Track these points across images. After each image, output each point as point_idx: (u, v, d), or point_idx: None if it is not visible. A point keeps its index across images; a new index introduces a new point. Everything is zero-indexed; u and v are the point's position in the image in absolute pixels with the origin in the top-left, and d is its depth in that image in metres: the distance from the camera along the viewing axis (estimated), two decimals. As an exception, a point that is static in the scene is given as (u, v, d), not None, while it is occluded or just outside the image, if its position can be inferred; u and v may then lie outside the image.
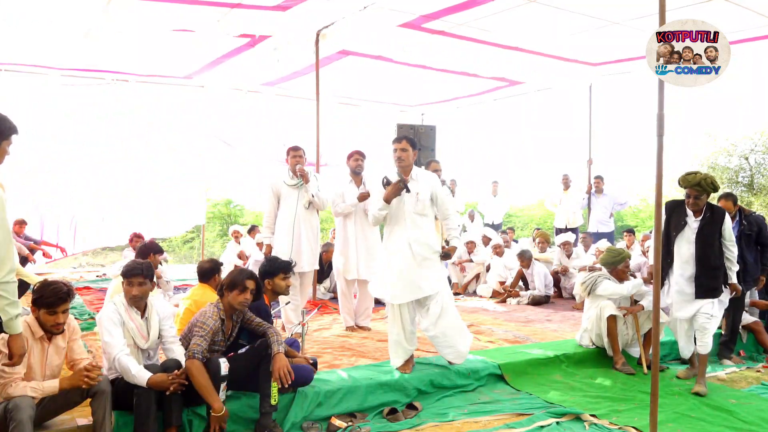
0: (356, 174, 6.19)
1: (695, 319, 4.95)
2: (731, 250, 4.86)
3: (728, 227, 4.86)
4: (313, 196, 5.81)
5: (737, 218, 5.83)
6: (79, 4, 5.99)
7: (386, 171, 4.71)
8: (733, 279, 4.93)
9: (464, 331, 4.80)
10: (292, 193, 5.90)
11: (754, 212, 5.96)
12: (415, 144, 4.71)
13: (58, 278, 3.55)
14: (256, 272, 4.53)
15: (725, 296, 5.05)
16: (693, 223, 4.86)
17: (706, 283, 4.84)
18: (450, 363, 4.76)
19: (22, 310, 2.91)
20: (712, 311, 4.89)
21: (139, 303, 3.74)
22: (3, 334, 3.03)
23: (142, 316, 3.75)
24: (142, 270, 3.73)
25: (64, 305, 3.34)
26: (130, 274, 3.70)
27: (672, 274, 4.99)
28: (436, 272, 4.64)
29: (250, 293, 3.79)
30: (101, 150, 9.63)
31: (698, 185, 4.66)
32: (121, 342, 3.56)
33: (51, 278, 3.60)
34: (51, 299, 3.29)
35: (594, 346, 5.53)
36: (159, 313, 3.81)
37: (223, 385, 3.56)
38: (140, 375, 3.43)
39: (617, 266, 5.54)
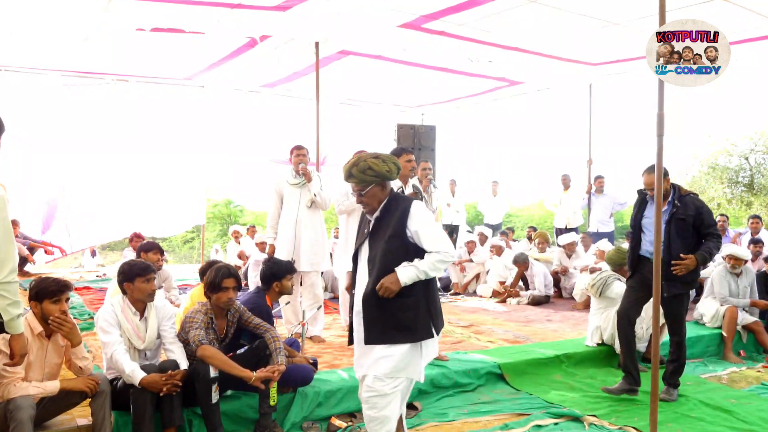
0: None
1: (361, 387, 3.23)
2: (427, 260, 3.08)
3: (417, 217, 3.11)
4: (315, 195, 5.81)
5: (670, 198, 4.54)
6: (79, 4, 5.98)
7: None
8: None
9: None
10: (294, 192, 5.90)
11: (693, 193, 4.68)
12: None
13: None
14: (257, 273, 4.55)
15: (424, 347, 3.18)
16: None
17: (377, 315, 3.10)
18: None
19: (23, 310, 2.91)
20: (389, 367, 3.09)
21: (149, 301, 3.74)
22: (3, 334, 3.03)
23: (141, 317, 3.75)
24: (153, 268, 3.77)
25: (67, 292, 3.39)
26: (146, 271, 3.70)
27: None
28: None
29: (232, 291, 3.80)
30: (101, 150, 9.63)
31: (351, 177, 3.20)
32: (117, 339, 3.57)
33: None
34: (53, 288, 3.33)
35: (602, 345, 5.55)
36: (159, 314, 3.81)
37: (214, 386, 3.57)
38: (134, 375, 3.44)
39: (624, 266, 5.60)
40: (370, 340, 3.13)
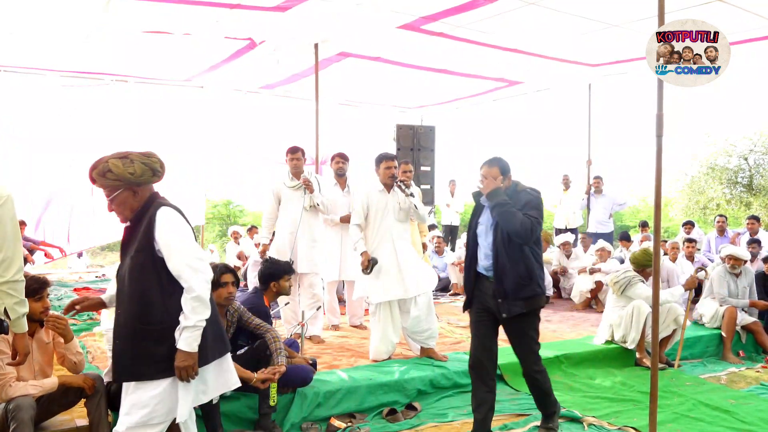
0: (339, 176, 6.38)
1: None
2: (186, 310, 2.58)
3: (163, 229, 2.63)
4: (318, 204, 5.89)
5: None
6: (78, 4, 5.98)
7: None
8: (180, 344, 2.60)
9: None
10: (292, 194, 5.91)
11: (533, 189, 3.71)
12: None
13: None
14: (256, 273, 4.55)
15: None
16: None
17: (127, 346, 2.66)
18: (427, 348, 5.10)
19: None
20: (144, 416, 2.61)
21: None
22: (1, 335, 3.04)
23: None
24: None
25: (46, 289, 3.44)
26: None
27: None
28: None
29: (231, 285, 3.80)
30: (101, 150, 9.62)
31: (93, 181, 2.73)
32: None
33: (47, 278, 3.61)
34: (35, 285, 3.35)
35: (610, 343, 5.62)
36: None
37: None
38: None
39: (647, 269, 5.65)
40: (118, 375, 2.67)
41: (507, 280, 3.54)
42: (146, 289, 2.63)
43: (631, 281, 5.61)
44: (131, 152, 2.71)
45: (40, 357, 3.46)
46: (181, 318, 2.58)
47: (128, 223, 2.75)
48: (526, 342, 3.66)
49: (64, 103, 9.00)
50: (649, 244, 7.70)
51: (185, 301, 2.58)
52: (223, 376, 2.84)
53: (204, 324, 2.60)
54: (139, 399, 2.60)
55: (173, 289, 2.61)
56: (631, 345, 5.48)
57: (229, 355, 2.88)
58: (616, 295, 5.72)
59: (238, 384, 2.93)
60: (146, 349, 2.61)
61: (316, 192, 5.87)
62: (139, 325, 2.62)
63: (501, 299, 3.56)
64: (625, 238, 10.00)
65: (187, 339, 2.57)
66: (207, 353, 2.69)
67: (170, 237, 2.61)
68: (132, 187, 2.69)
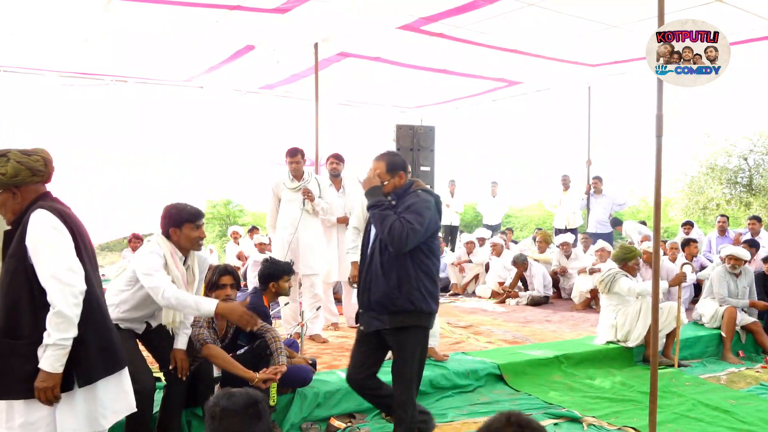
0: (334, 177, 6.40)
1: None
2: (49, 328, 2.35)
3: (32, 234, 2.41)
4: (321, 211, 5.92)
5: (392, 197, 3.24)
6: (78, 4, 5.99)
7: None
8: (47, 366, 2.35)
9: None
10: (292, 195, 5.92)
11: (427, 191, 3.28)
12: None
13: None
14: (256, 274, 4.55)
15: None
16: None
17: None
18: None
19: None
20: None
21: (196, 249, 3.36)
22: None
23: (184, 263, 3.37)
24: (203, 213, 3.46)
25: None
26: (197, 217, 3.32)
27: None
28: None
29: (230, 288, 3.77)
30: (100, 150, 9.64)
31: None
32: (167, 277, 3.10)
33: None
34: None
35: (611, 343, 5.61)
36: (201, 265, 3.48)
37: (217, 387, 3.56)
38: (204, 304, 3.06)
39: (628, 262, 5.70)
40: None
41: (374, 290, 3.14)
42: (16, 299, 2.39)
43: (615, 277, 5.67)
44: (11, 150, 2.51)
45: None
46: (44, 335, 2.34)
47: (10, 227, 2.50)
48: (398, 363, 3.17)
49: (64, 103, 9.00)
50: (649, 245, 7.69)
51: (48, 316, 2.33)
52: (123, 399, 2.63)
53: (69, 343, 2.35)
54: (27, 421, 2.38)
55: (47, 301, 2.35)
56: (632, 343, 5.49)
57: (126, 372, 2.67)
58: (604, 294, 5.78)
59: (134, 408, 2.72)
60: (13, 365, 2.37)
61: (317, 200, 5.88)
62: (6, 339, 2.39)
63: (363, 310, 3.22)
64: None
65: (49, 358, 2.33)
66: (91, 371, 2.47)
67: (38, 242, 2.37)
68: (10, 188, 2.49)
